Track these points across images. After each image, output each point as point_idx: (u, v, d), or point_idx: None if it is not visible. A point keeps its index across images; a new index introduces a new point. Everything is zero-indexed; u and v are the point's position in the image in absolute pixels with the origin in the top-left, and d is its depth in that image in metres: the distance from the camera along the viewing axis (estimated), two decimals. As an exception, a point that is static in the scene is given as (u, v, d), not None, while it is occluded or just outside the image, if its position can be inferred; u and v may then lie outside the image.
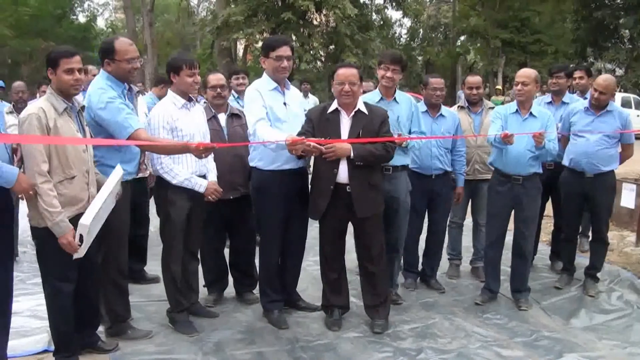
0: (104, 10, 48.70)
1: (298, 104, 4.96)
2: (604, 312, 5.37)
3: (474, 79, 6.15)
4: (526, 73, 5.28)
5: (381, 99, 5.19)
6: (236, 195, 5.15)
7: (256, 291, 5.37)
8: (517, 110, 5.32)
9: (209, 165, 4.82)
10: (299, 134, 4.56)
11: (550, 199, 6.30)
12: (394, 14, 39.33)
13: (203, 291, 5.39)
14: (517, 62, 32.58)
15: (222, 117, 5.31)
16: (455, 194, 5.87)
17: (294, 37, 25.49)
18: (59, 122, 3.73)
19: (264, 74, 4.79)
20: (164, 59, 27.57)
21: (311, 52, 26.06)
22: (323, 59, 28.24)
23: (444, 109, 5.80)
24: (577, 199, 5.73)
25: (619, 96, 20.91)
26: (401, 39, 44.86)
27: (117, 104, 4.16)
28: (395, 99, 5.23)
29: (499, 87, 25.32)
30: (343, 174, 4.57)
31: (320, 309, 5.10)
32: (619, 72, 35.13)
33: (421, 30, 44.45)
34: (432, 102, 5.72)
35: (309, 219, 4.98)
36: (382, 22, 32.51)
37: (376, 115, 4.69)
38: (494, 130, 5.25)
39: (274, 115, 4.65)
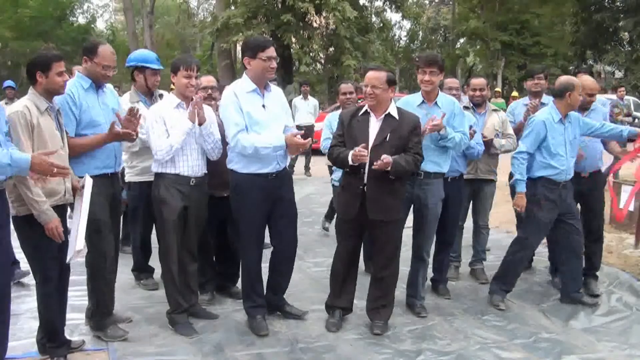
0: (104, 12, 48.79)
1: (279, 105, 4.87)
2: (604, 314, 5.37)
3: (479, 81, 6.22)
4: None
5: (422, 102, 5.12)
6: (228, 193, 5.02)
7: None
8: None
9: (208, 145, 4.84)
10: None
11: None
12: (394, 16, 39.40)
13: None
14: (516, 64, 32.64)
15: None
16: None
17: (293, 39, 25.55)
18: (41, 120, 3.93)
19: (244, 76, 4.72)
20: (164, 61, 27.59)
21: (311, 54, 26.10)
22: (323, 61, 28.27)
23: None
24: (576, 200, 5.74)
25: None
26: (401, 41, 44.93)
27: (66, 109, 4.33)
28: (436, 102, 5.11)
29: (499, 89, 25.33)
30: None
31: (304, 315, 5.09)
32: (619, 74, 35.22)
33: (421, 32, 44.52)
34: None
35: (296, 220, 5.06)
36: (381, 25, 32.50)
37: (407, 121, 4.67)
38: None
39: (252, 120, 4.58)
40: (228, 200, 4.91)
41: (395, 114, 4.66)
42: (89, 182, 4.09)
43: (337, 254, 4.97)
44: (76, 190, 4.16)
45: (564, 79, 5.41)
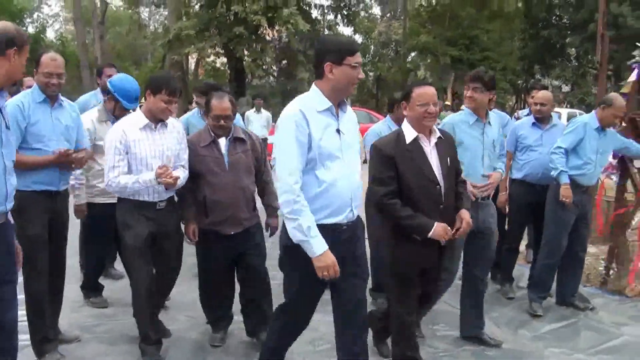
0: (54, 22, 48.03)
1: (353, 132, 3.60)
2: (552, 320, 5.45)
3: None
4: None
5: (477, 120, 4.79)
6: (238, 230, 4.50)
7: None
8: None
9: (177, 173, 4.34)
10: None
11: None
12: (346, 30, 39.67)
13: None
14: (466, 78, 33.13)
15: (223, 142, 4.52)
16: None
17: (246, 52, 25.54)
18: None
19: (314, 89, 3.43)
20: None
21: (263, 67, 26.12)
22: (275, 74, 28.31)
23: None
24: (526, 210, 5.92)
25: (565, 111, 21.44)
26: (353, 54, 45.16)
27: (12, 120, 4.04)
28: (489, 121, 4.86)
29: (449, 102, 25.69)
30: None
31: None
32: (565, 88, 36.17)
33: (372, 46, 44.89)
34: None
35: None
36: (334, 38, 32.74)
37: (448, 137, 4.17)
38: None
39: (323, 151, 3.34)
40: (236, 239, 4.48)
41: (438, 132, 4.05)
42: None
43: (404, 310, 4.10)
44: None
45: (612, 94, 5.79)
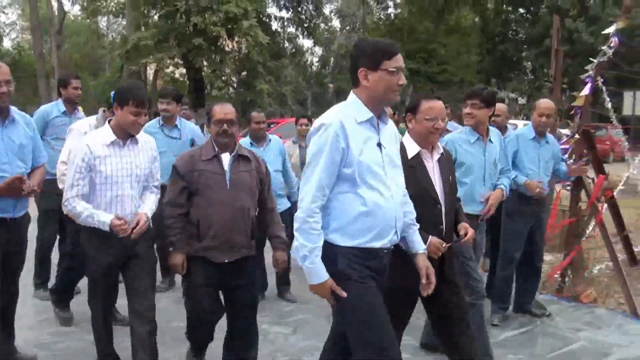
0: (11, 31, 47.23)
1: (395, 146, 3.21)
2: (510, 328, 5.51)
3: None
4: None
5: (478, 138, 4.70)
6: (235, 257, 4.04)
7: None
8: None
9: (147, 197, 4.10)
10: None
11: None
12: (306, 42, 39.85)
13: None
14: (424, 91, 33.58)
15: (226, 158, 4.11)
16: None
17: (205, 63, 25.43)
18: None
19: (353, 98, 3.06)
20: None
21: (223, 78, 26.02)
22: (235, 85, 28.23)
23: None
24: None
25: (521, 123, 21.77)
26: (313, 66, 45.44)
27: None
28: (490, 138, 4.79)
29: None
30: None
31: None
32: (522, 101, 36.90)
33: (332, 58, 45.17)
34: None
35: None
36: (294, 50, 32.86)
37: (447, 154, 3.99)
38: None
39: (364, 168, 2.95)
40: (231, 268, 4.04)
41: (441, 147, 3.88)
42: None
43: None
44: None
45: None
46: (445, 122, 3.82)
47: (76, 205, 3.80)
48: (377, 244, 3.02)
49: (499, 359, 4.81)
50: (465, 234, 3.89)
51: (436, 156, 3.78)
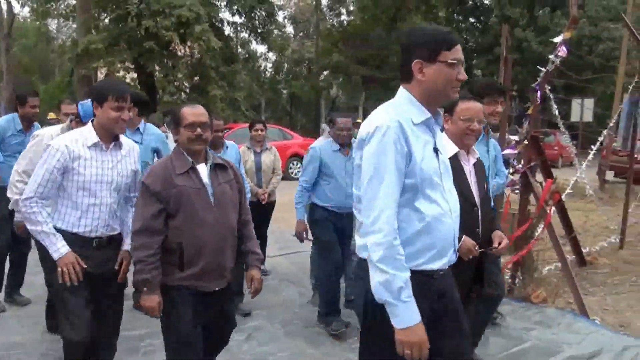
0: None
1: (446, 152, 2.89)
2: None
3: None
4: None
5: (484, 136, 4.50)
6: (222, 285, 3.52)
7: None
8: None
9: (128, 219, 3.78)
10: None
11: None
12: (259, 48, 39.82)
13: None
14: (376, 97, 33.88)
15: (203, 169, 3.50)
16: None
17: (157, 68, 25.15)
18: None
19: (405, 94, 2.62)
20: (21, 86, 26.29)
21: (175, 83, 25.77)
22: (187, 90, 27.98)
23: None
24: None
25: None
26: (267, 72, 45.40)
27: None
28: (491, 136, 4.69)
29: (360, 120, 26.12)
30: None
31: None
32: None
33: (286, 64, 45.22)
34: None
35: None
36: (247, 56, 32.77)
37: (480, 159, 3.86)
38: None
39: (425, 177, 2.54)
40: (215, 297, 3.50)
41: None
42: None
43: None
44: None
45: None
46: (481, 124, 3.75)
47: (37, 212, 3.47)
48: (435, 265, 2.60)
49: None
50: (499, 243, 3.78)
51: (472, 160, 3.71)
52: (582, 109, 13.92)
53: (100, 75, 30.88)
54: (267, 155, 7.07)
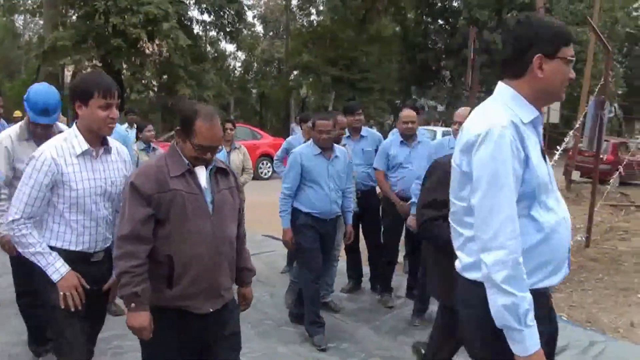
0: None
1: None
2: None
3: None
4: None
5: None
6: (217, 305, 3.09)
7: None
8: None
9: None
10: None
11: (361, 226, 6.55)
12: (228, 47, 39.66)
13: None
14: (346, 97, 33.94)
15: (202, 173, 3.08)
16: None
17: (124, 66, 24.90)
18: None
19: (512, 93, 2.36)
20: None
21: (143, 81, 25.55)
22: (156, 89, 27.75)
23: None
24: (400, 224, 6.15)
25: (440, 130, 22.35)
26: (236, 71, 45.21)
27: None
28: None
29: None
30: None
31: None
32: (441, 108, 37.88)
33: (255, 63, 45.08)
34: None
35: None
36: (216, 55, 32.59)
37: None
38: None
39: (541, 182, 2.29)
40: (213, 318, 3.08)
41: None
42: None
43: None
44: None
45: None
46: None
47: (28, 234, 3.07)
48: (553, 281, 2.35)
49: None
50: None
51: None
52: (549, 110, 14.10)
53: (67, 72, 30.49)
54: (237, 154, 7.04)
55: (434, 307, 6.17)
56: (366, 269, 6.75)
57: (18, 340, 4.82)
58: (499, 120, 2.22)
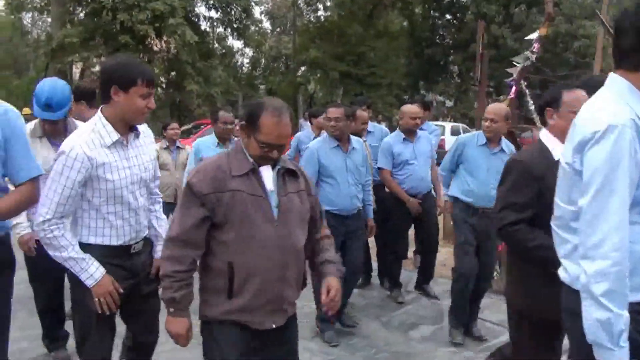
0: None
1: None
2: (440, 322, 5.60)
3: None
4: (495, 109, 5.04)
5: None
6: (280, 322, 2.81)
7: None
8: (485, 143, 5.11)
9: (157, 222, 3.38)
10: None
11: None
12: (236, 43, 39.64)
13: None
14: (353, 92, 33.90)
15: (268, 174, 2.77)
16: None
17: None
18: None
19: (625, 84, 2.11)
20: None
21: (151, 78, 25.59)
22: (164, 86, 27.80)
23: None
24: (408, 220, 6.15)
25: (448, 125, 22.31)
26: (244, 67, 45.22)
27: None
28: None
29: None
30: None
31: None
32: (449, 103, 37.80)
33: (263, 60, 45.06)
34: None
35: None
36: (223, 51, 32.60)
37: None
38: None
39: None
40: (271, 338, 2.81)
41: None
42: None
43: None
44: None
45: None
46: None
47: (60, 235, 2.90)
48: None
49: (431, 352, 4.91)
50: None
51: None
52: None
53: (76, 70, 30.61)
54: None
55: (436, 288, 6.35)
56: (375, 265, 6.74)
57: (24, 335, 4.81)
58: (619, 117, 2.00)
